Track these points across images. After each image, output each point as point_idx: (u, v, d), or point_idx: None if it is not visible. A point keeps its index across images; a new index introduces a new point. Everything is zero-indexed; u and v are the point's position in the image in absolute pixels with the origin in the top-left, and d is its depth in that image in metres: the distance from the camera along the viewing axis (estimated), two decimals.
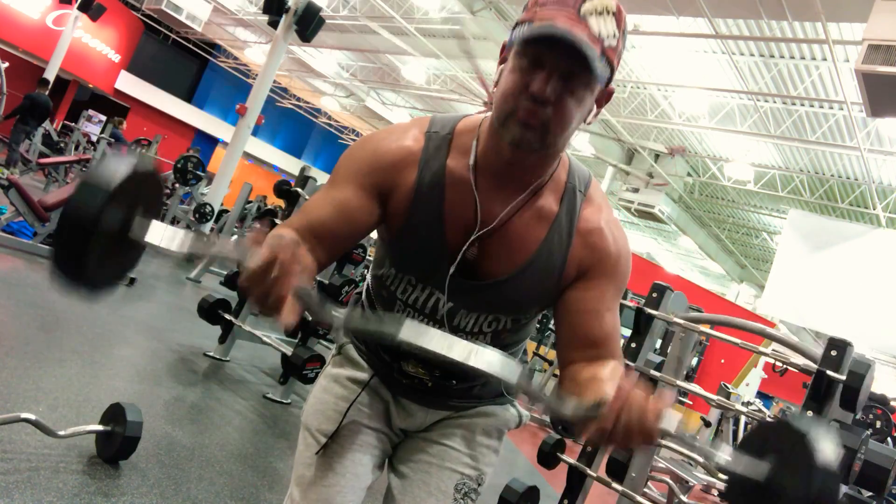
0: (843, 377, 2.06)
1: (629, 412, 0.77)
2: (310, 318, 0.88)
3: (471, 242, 1.02)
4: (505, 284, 1.03)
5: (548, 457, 2.94)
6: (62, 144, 11.61)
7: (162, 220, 0.83)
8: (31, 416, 2.03)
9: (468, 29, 10.78)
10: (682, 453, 2.74)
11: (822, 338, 9.26)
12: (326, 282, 3.73)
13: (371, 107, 18.52)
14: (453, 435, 1.19)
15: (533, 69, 0.89)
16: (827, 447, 0.73)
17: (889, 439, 4.47)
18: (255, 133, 15.66)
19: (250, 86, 9.84)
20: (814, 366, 2.19)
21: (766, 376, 11.31)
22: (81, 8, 13.45)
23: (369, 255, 5.47)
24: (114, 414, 2.20)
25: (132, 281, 5.07)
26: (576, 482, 2.71)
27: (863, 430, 1.94)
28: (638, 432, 0.77)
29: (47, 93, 10.61)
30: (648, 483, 3.51)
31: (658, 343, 6.08)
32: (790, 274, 10.36)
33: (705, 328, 2.87)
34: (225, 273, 6.07)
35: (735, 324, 2.99)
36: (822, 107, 9.47)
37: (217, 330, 4.11)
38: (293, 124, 23.25)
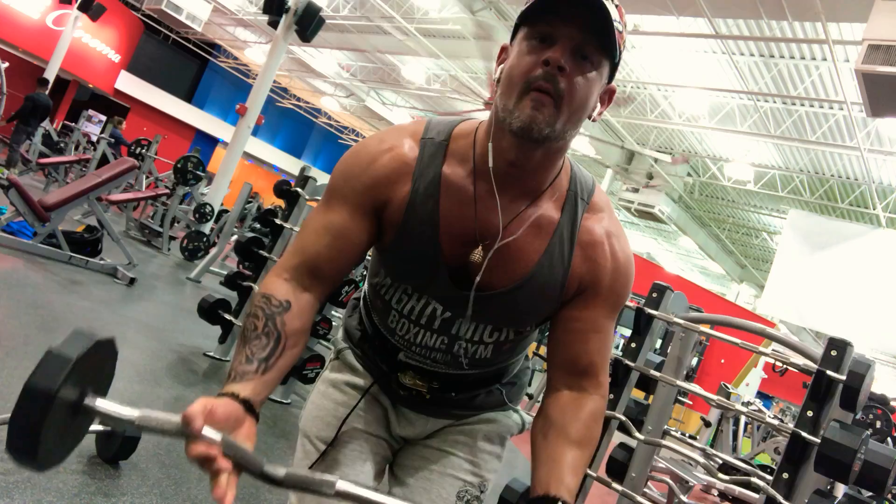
0: (843, 377, 2.06)
1: None
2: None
3: (473, 253, 0.98)
4: (505, 296, 0.99)
5: None
6: (62, 144, 11.61)
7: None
8: None
9: (468, 29, 10.78)
10: (681, 453, 2.74)
11: (822, 338, 9.26)
12: None
13: (371, 107, 18.52)
14: (455, 442, 1.16)
15: (543, 46, 0.87)
16: None
17: (889, 439, 4.47)
18: (255, 133, 15.67)
19: (250, 86, 9.84)
20: (814, 366, 2.19)
21: (766, 376, 11.31)
22: (81, 8, 13.46)
23: (369, 255, 5.46)
24: None
25: (132, 281, 5.07)
26: None
27: (863, 430, 1.94)
28: None
29: (47, 92, 10.61)
30: (648, 483, 3.50)
31: (658, 343, 6.08)
32: (790, 274, 10.37)
33: (705, 328, 2.87)
34: (225, 273, 6.08)
35: (735, 324, 2.99)
36: (822, 107, 9.48)
37: (217, 330, 4.11)
38: (293, 124, 23.26)
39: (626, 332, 2.97)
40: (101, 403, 0.81)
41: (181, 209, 8.09)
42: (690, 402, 8.19)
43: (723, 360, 10.45)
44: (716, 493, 5.50)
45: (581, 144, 13.09)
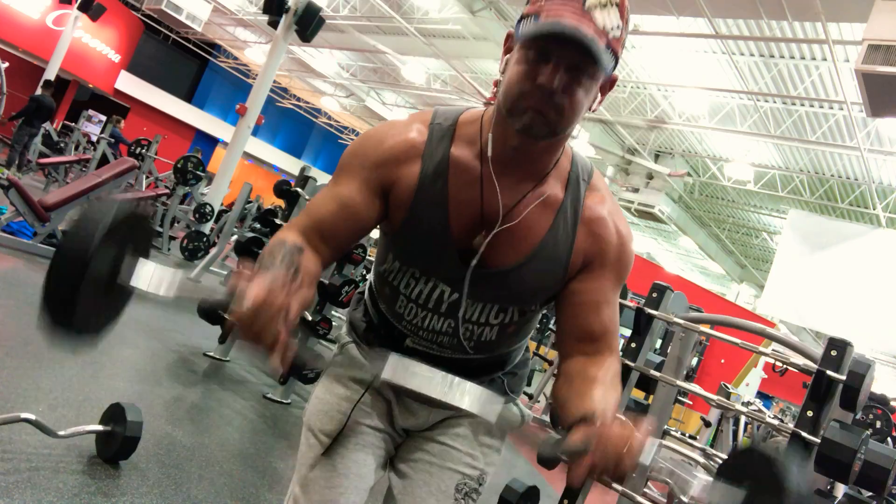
0: (843, 377, 2.06)
1: (610, 448, 0.80)
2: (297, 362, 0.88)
3: (481, 233, 1.02)
4: (512, 273, 1.03)
5: (548, 457, 2.93)
6: (62, 144, 11.61)
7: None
8: (31, 416, 2.03)
9: (468, 29, 10.77)
10: (682, 453, 2.74)
11: (822, 338, 9.25)
12: (326, 282, 3.73)
13: (371, 107, 18.52)
14: (455, 434, 1.19)
15: (539, 61, 0.90)
16: (798, 472, 0.77)
17: (889, 439, 4.46)
18: (255, 133, 15.64)
19: (250, 86, 9.84)
20: (814, 366, 2.19)
21: (766, 376, 11.30)
22: (81, 8, 13.45)
23: (369, 255, 5.47)
24: (114, 414, 2.20)
25: None
26: None
27: (863, 430, 1.94)
28: (617, 469, 0.80)
29: (50, 94, 10.62)
30: (648, 483, 3.51)
31: (658, 343, 6.08)
32: (790, 274, 10.37)
33: (705, 328, 2.87)
34: (225, 273, 6.07)
35: (735, 324, 2.99)
36: (822, 107, 9.48)
37: (217, 330, 4.11)
38: (293, 124, 23.25)
39: (627, 332, 2.97)
40: (139, 272, 0.79)
41: (181, 209, 8.09)
42: (690, 402, 8.19)
43: (723, 360, 10.44)
44: None
45: (581, 145, 13.09)
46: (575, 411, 0.89)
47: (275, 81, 15.85)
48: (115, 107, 17.82)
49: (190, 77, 20.54)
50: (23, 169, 9.87)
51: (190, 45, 19.29)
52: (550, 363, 7.02)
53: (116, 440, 2.17)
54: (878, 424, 4.48)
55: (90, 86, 17.73)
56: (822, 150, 10.59)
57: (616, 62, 0.94)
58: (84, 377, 2.88)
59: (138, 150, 8.68)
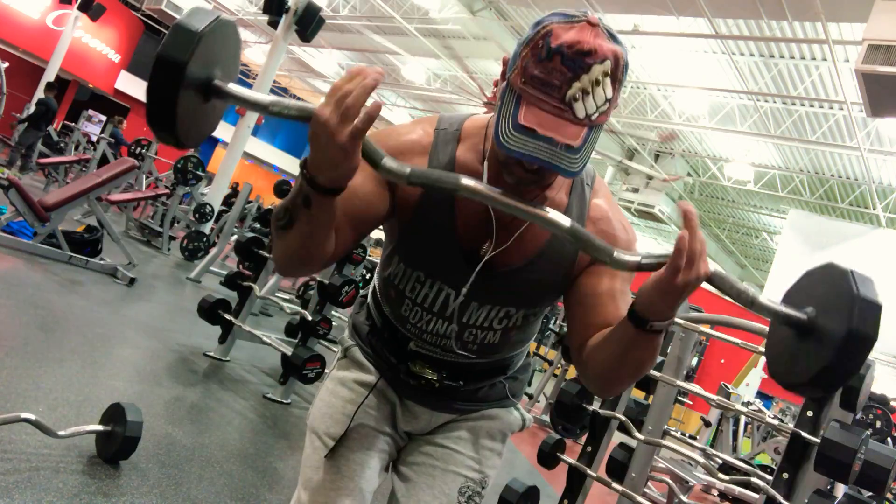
0: None
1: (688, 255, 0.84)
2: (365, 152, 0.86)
3: (487, 239, 1.02)
4: (518, 273, 1.03)
5: (548, 457, 2.93)
6: (62, 144, 11.61)
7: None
8: (31, 416, 2.03)
9: (468, 29, 10.77)
10: (681, 453, 2.74)
11: None
12: (326, 282, 3.73)
13: None
14: (458, 438, 1.19)
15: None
16: (868, 281, 0.80)
17: (889, 439, 4.46)
18: (255, 133, 15.66)
19: (250, 86, 9.85)
20: None
21: (766, 376, 11.29)
22: (81, 8, 13.46)
23: (369, 255, 5.47)
24: (114, 414, 2.20)
25: (132, 281, 5.07)
26: (576, 482, 2.71)
27: (863, 430, 1.94)
28: (696, 275, 0.84)
29: (54, 96, 10.65)
30: (648, 483, 3.50)
31: None
32: (790, 274, 10.26)
33: (705, 328, 2.87)
34: (225, 273, 6.08)
35: (735, 324, 2.99)
36: (822, 107, 9.48)
37: (217, 330, 4.11)
38: (293, 124, 22.97)
39: None
40: (232, 86, 0.82)
41: (181, 209, 8.09)
42: (690, 402, 8.19)
43: (723, 360, 10.45)
44: (716, 493, 5.50)
45: None
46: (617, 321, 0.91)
47: (275, 81, 15.83)
48: (115, 107, 17.82)
49: None
50: (25, 170, 9.88)
51: None
52: (550, 363, 7.01)
53: (116, 440, 2.17)
54: (878, 424, 4.48)
55: (90, 86, 17.73)
56: (822, 150, 10.59)
57: (608, 116, 0.88)
58: (84, 377, 2.88)
59: (138, 150, 8.68)
